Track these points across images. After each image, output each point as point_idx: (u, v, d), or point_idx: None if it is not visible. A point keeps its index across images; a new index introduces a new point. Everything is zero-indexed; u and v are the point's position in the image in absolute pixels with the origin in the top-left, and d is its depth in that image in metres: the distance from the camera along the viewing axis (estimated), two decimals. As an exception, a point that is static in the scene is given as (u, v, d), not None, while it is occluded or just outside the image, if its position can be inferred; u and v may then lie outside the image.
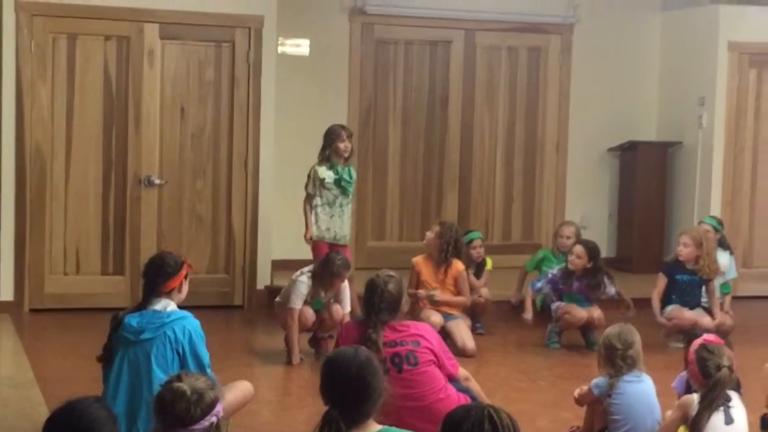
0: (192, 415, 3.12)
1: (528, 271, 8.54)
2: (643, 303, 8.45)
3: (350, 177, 7.70)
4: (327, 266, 6.90)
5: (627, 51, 10.55)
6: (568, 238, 8.13)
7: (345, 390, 3.30)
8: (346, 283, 7.06)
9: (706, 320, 7.55)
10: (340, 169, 7.65)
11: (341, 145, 7.62)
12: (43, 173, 8.29)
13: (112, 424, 2.82)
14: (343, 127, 7.80)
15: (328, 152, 7.64)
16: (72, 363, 6.66)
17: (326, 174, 7.61)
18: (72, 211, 8.39)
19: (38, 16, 8.19)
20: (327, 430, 3.24)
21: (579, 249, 7.55)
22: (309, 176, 7.66)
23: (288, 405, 6.17)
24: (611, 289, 7.60)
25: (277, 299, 7.17)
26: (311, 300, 6.96)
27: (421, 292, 7.46)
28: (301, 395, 6.33)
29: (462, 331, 7.39)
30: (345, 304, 7.02)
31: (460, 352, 6.98)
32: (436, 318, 7.27)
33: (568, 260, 7.59)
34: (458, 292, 7.53)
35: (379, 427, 3.34)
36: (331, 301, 7.01)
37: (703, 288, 7.74)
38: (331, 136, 7.65)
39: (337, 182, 7.63)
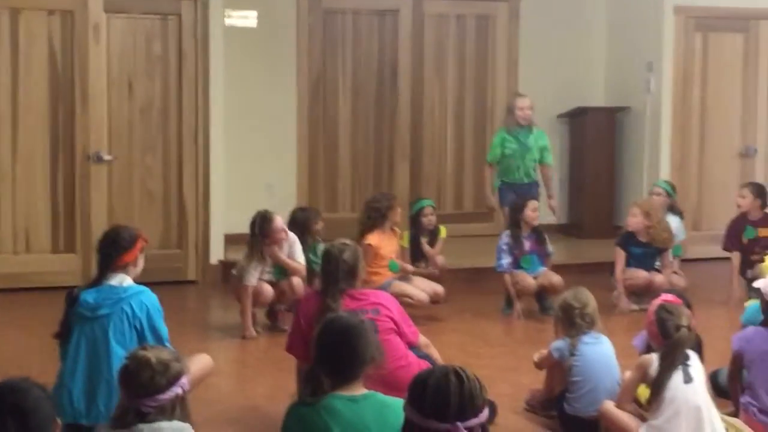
0: (157, 383, 3.09)
1: (492, 164, 8.46)
2: (595, 267, 8.58)
3: (317, 256, 7.08)
4: (253, 232, 6.85)
5: (574, 17, 10.58)
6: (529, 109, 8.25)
7: (330, 350, 3.41)
8: (293, 237, 6.99)
9: (659, 278, 7.62)
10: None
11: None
12: (-11, 152, 8.16)
13: (46, 399, 2.72)
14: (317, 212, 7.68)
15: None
16: (25, 342, 6.59)
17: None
18: (20, 190, 8.27)
19: (-21, -9, 8.04)
20: (309, 385, 3.38)
21: (534, 204, 7.62)
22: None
23: (247, 377, 6.15)
24: (549, 247, 7.71)
25: (233, 271, 7.12)
26: (265, 269, 6.92)
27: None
28: (259, 367, 6.32)
29: (415, 284, 7.39)
30: (298, 256, 6.98)
31: (433, 299, 7.28)
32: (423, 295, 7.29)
33: (523, 219, 7.56)
34: None
35: (365, 391, 3.41)
36: (290, 276, 6.95)
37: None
38: (306, 224, 7.37)
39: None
